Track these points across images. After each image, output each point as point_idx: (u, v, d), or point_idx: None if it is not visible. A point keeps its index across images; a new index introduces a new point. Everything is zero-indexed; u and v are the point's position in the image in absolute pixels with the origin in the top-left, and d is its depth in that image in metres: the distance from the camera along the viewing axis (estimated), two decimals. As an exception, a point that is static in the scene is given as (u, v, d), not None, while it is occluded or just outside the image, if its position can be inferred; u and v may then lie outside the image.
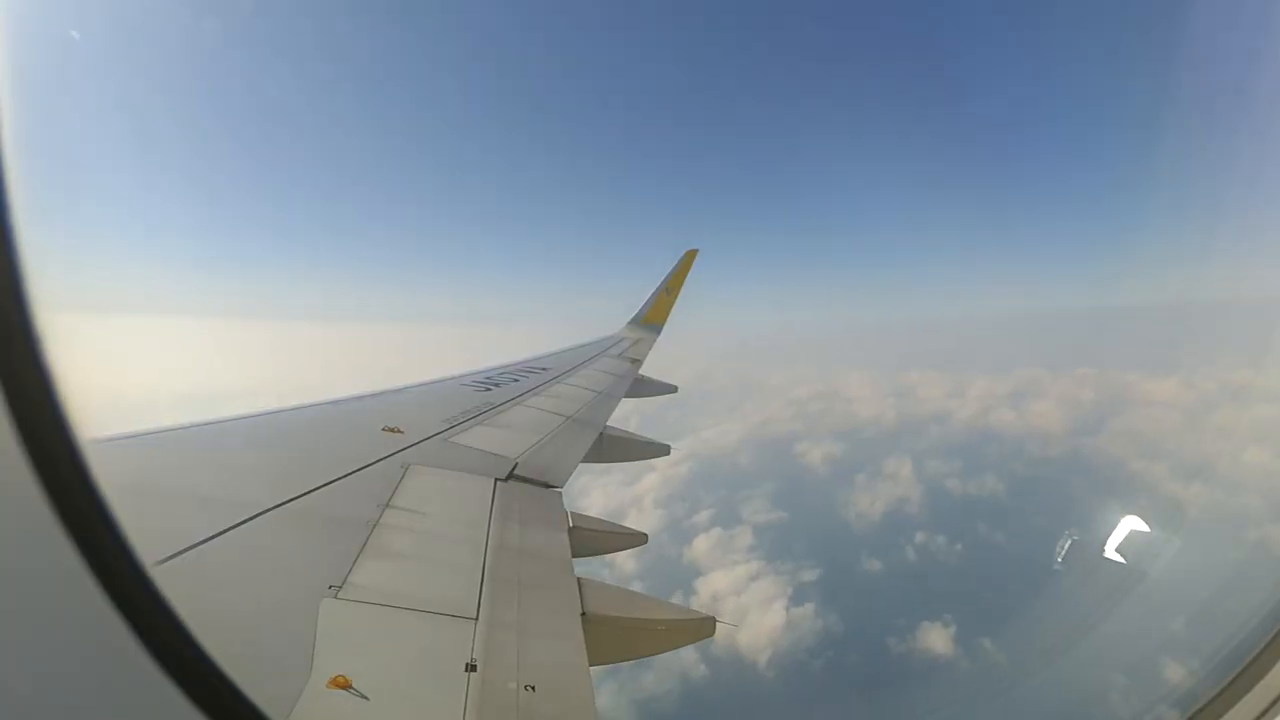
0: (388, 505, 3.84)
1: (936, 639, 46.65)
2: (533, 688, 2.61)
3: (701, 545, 63.55)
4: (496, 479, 4.71)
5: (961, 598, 50.75)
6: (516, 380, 7.92)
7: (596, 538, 4.81)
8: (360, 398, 6.62)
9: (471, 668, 2.61)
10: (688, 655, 45.51)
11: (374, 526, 3.55)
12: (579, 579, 3.68)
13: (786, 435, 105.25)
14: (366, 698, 2.30)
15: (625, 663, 3.92)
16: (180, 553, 2.77)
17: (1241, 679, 1.88)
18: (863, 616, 50.77)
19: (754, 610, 52.02)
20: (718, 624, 3.96)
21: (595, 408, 7.61)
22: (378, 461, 4.49)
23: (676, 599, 53.95)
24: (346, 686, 2.29)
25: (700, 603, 54.29)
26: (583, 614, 3.35)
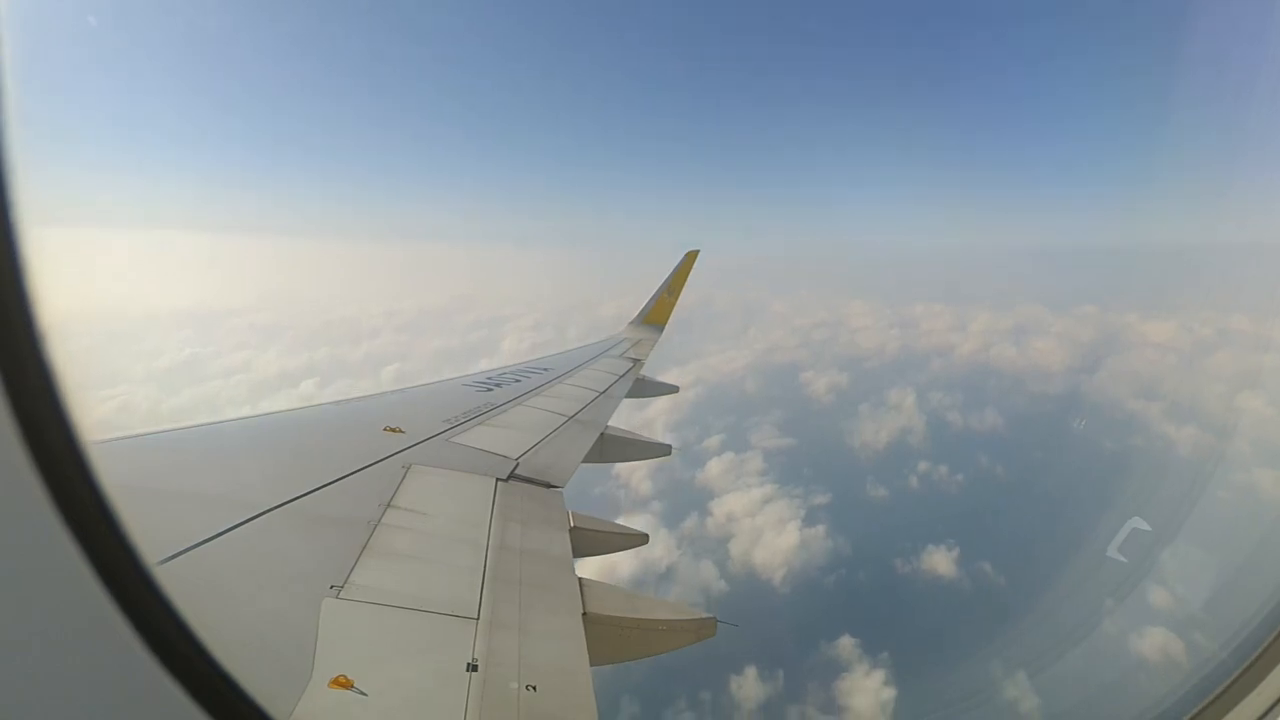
0: (389, 505, 3.84)
1: (940, 561, 49.09)
2: (534, 687, 2.61)
3: (714, 469, 65.07)
4: (498, 479, 4.71)
5: (963, 524, 52.96)
6: (518, 380, 7.92)
7: (597, 538, 4.81)
8: (362, 398, 6.63)
9: (473, 667, 2.61)
10: (709, 572, 48.66)
11: (375, 526, 3.55)
12: (580, 579, 3.68)
13: (791, 364, 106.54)
14: (368, 697, 2.31)
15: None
16: (183, 552, 2.78)
17: (1242, 680, 1.87)
18: (870, 539, 52.82)
19: (768, 531, 53.92)
20: (718, 624, 3.96)
21: (596, 408, 7.61)
22: (379, 461, 4.49)
23: (692, 522, 55.01)
24: (348, 686, 2.30)
25: (716, 524, 55.91)
26: (584, 614, 3.35)
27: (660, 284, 14.18)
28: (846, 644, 40.50)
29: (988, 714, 33.61)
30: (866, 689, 37.57)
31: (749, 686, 37.30)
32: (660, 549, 49.07)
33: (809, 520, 54.87)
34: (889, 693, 37.16)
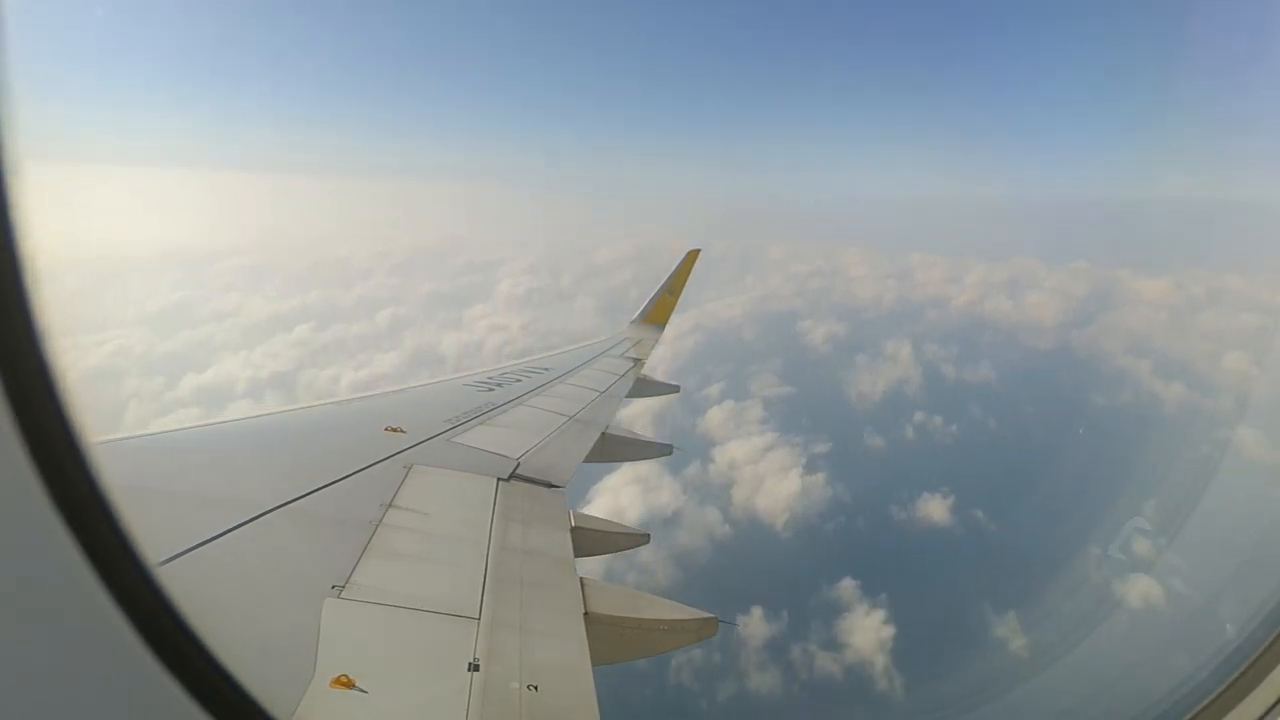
0: (390, 505, 3.84)
1: (935, 509, 51.70)
2: (535, 687, 2.62)
3: (715, 417, 66.67)
4: (499, 479, 4.72)
5: (956, 474, 55.42)
6: (519, 380, 7.93)
7: (599, 537, 4.81)
8: (363, 398, 6.64)
9: (474, 667, 2.62)
10: (713, 517, 50.32)
11: (377, 526, 3.56)
12: (581, 579, 3.69)
13: (788, 312, 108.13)
14: (369, 696, 2.31)
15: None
16: (184, 552, 2.78)
17: (1243, 679, 1.87)
18: (869, 487, 54.96)
19: (770, 478, 55.62)
20: (719, 624, 3.97)
21: (597, 408, 7.62)
22: (380, 461, 4.49)
23: (695, 469, 55.56)
24: (349, 686, 2.30)
25: (718, 470, 57.14)
26: (585, 614, 3.36)
27: (661, 283, 14.18)
28: (848, 586, 42.68)
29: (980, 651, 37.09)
30: (867, 628, 39.69)
31: (755, 625, 39.18)
32: (666, 495, 50.59)
33: (809, 468, 56.71)
34: (888, 631, 39.34)
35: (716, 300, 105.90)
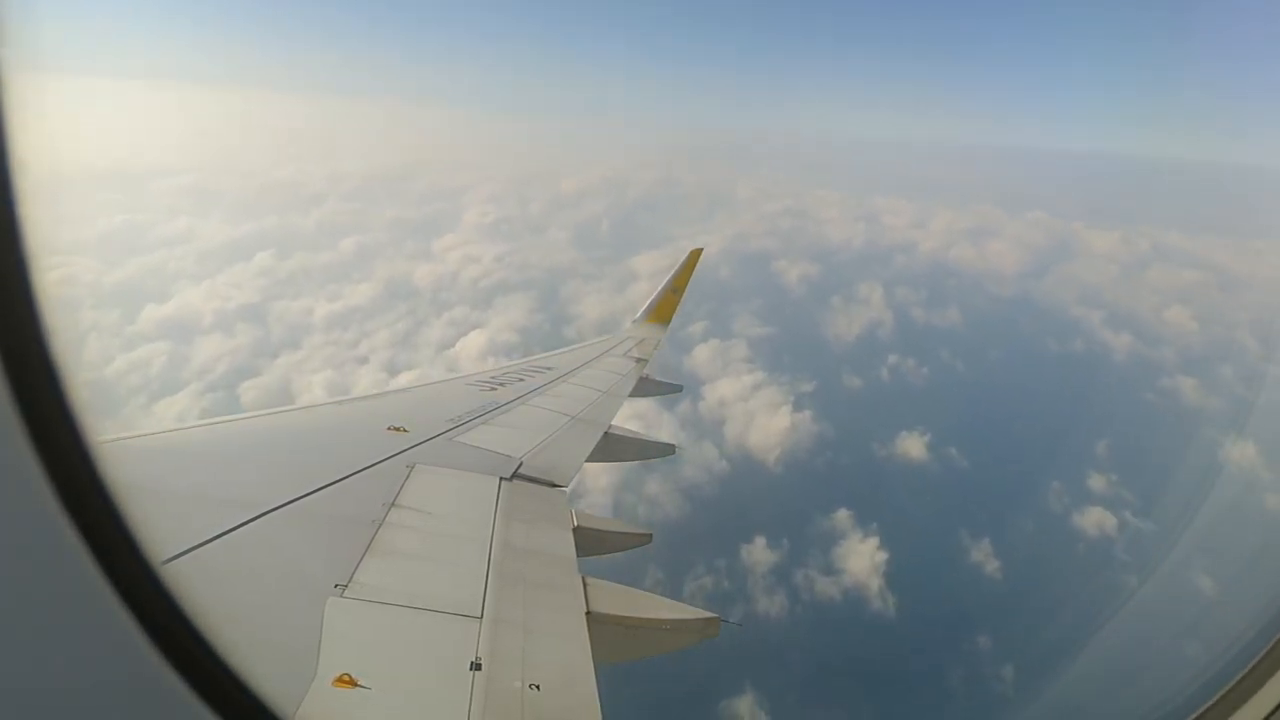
0: (393, 504, 3.85)
1: (913, 446, 55.94)
2: (537, 686, 2.63)
3: (702, 355, 69.07)
4: (501, 478, 4.72)
5: (930, 414, 59.91)
6: (521, 380, 7.94)
7: (601, 537, 4.83)
8: (365, 397, 6.66)
9: (476, 666, 2.63)
10: (710, 452, 52.87)
11: (379, 525, 3.57)
12: (583, 578, 3.69)
13: (762, 252, 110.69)
14: (372, 695, 2.32)
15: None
16: (188, 551, 2.79)
17: (1245, 682, 1.86)
18: (850, 425, 58.87)
19: (760, 415, 58.53)
20: (722, 624, 3.97)
21: (600, 407, 7.63)
22: (383, 461, 4.50)
23: (686, 406, 57.05)
24: (352, 684, 2.31)
25: (709, 408, 59.39)
26: (587, 613, 3.37)
27: (664, 282, 14.19)
28: (843, 516, 46.16)
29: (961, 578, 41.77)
30: (862, 553, 43.34)
31: (758, 553, 42.31)
32: (665, 434, 52.77)
33: (798, 406, 60.10)
34: (882, 556, 43.01)
35: (691, 239, 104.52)
